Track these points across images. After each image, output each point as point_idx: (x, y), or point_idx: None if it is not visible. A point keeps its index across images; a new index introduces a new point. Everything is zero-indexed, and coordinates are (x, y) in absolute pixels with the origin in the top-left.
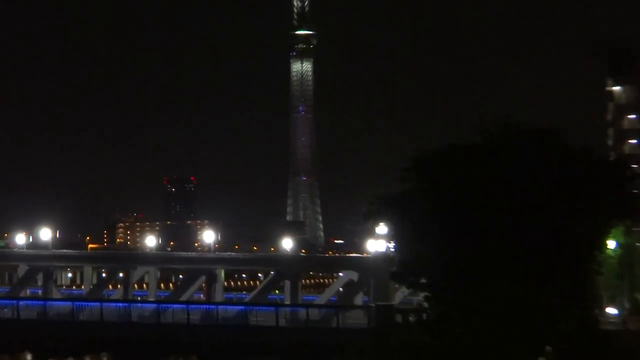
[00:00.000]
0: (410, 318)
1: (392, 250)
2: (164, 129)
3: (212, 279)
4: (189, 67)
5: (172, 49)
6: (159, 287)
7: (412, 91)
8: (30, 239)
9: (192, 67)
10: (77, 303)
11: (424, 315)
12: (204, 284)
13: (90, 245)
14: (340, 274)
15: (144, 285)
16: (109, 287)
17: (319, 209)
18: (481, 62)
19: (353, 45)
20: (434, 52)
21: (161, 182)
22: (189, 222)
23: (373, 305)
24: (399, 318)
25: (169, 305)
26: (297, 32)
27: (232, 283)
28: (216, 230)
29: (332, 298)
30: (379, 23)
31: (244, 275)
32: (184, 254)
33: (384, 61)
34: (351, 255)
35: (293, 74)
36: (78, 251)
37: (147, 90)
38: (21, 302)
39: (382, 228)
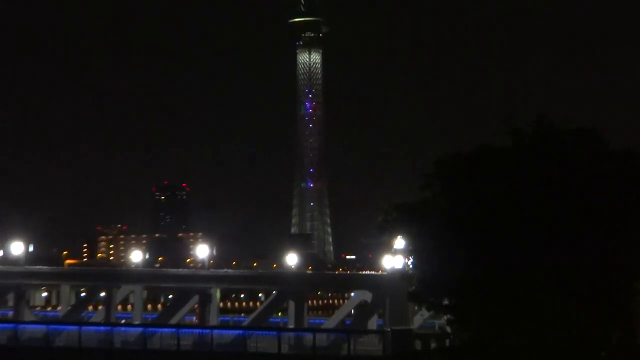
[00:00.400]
0: (431, 344)
1: (411, 267)
2: (152, 130)
3: (206, 299)
4: (180, 61)
5: (168, 41)
6: (145, 308)
7: (432, 89)
8: (0, 254)
9: (183, 61)
10: (53, 326)
11: (447, 342)
12: (196, 305)
13: (67, 261)
14: (352, 294)
15: (129, 306)
16: (88, 309)
17: (328, 220)
18: (508, 57)
19: (364, 36)
20: (454, 47)
21: (149, 189)
22: (180, 234)
23: (389, 329)
24: (418, 344)
25: (157, 330)
26: (304, 19)
27: (228, 304)
28: (211, 244)
29: (347, 322)
30: (393, 12)
31: (242, 296)
32: (174, 270)
33: (400, 55)
34: (364, 272)
35: (299, 66)
36: (54, 267)
37: (131, 88)
38: None
39: (399, 242)
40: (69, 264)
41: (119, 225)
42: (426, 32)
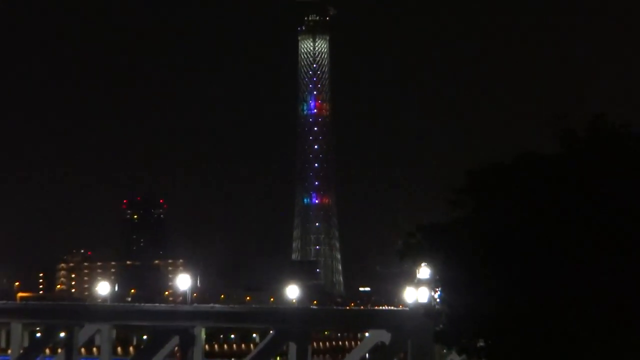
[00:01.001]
0: None
1: (438, 301)
2: (122, 136)
3: (188, 340)
4: (157, 55)
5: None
6: (114, 351)
7: (459, 87)
8: None
9: (166, 55)
10: None
11: None
12: (177, 348)
13: (20, 294)
14: (367, 335)
15: (94, 349)
16: (45, 352)
17: (336, 244)
18: (549, 49)
19: (380, 20)
20: (482, 36)
21: (118, 206)
22: (156, 261)
23: None
24: None
25: None
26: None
27: (216, 347)
28: (194, 273)
29: None
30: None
31: (232, 336)
32: (149, 306)
33: (422, 45)
34: (381, 308)
35: (302, 56)
36: (3, 302)
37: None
38: None
39: (424, 271)
40: (22, 298)
41: (83, 251)
42: (453, 20)
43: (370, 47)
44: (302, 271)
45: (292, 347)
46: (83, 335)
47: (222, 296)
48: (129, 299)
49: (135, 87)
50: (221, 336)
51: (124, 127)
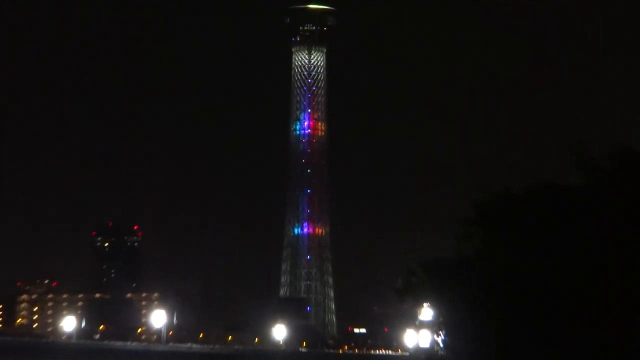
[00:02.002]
0: None
1: (442, 346)
2: (92, 154)
3: None
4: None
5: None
6: None
7: (469, 108)
8: None
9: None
10: None
11: None
12: None
13: None
14: None
15: None
16: None
17: (330, 280)
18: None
19: (384, 31)
20: (493, 53)
21: (88, 232)
22: (129, 295)
23: None
24: None
25: None
26: (305, 6)
27: None
28: (171, 308)
29: None
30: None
31: None
32: (120, 344)
33: (429, 60)
34: (378, 353)
35: (295, 69)
36: None
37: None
38: None
39: (426, 312)
40: None
41: (47, 281)
42: (462, 36)
43: (373, 62)
44: (291, 309)
45: None
46: None
47: (201, 335)
48: (97, 336)
49: (113, 103)
50: None
51: (95, 145)
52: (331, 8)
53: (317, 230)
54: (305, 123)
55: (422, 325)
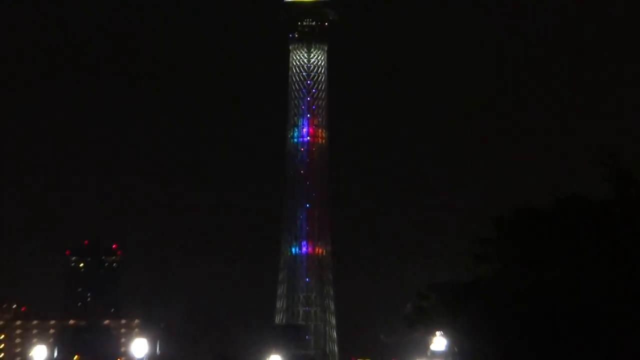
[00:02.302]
0: None
1: None
2: (65, 164)
3: None
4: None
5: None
6: None
7: (482, 114)
8: None
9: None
10: None
11: None
12: None
13: None
14: None
15: None
16: None
17: (331, 305)
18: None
19: (391, 27)
20: (511, 55)
21: (61, 252)
22: (107, 321)
23: None
24: None
25: None
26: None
27: None
28: (153, 337)
29: None
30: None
31: None
32: None
33: (443, 59)
34: None
35: (293, 69)
36: None
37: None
38: None
39: (439, 341)
40: None
41: (15, 306)
42: (480, 41)
43: (378, 61)
44: (288, 338)
45: None
46: None
47: None
48: None
49: (101, 115)
50: None
51: (70, 153)
52: (331, 1)
53: (317, 249)
54: (305, 130)
55: (434, 355)
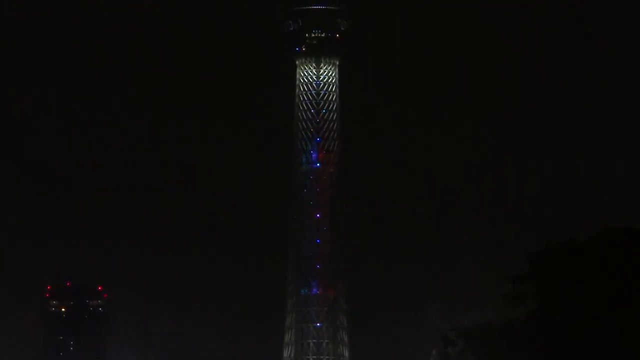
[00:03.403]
0: None
1: None
2: (53, 199)
3: None
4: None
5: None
6: None
7: (510, 136)
8: None
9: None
10: None
11: None
12: None
13: None
14: None
15: None
16: None
17: (345, 353)
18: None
19: (409, 37)
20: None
21: (40, 293)
22: None
23: None
24: None
25: None
26: (310, 7)
27: None
28: None
29: None
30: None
31: None
32: None
33: (460, 82)
34: None
35: (300, 87)
36: None
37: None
38: None
39: None
40: None
41: None
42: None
43: (396, 76)
44: None
45: None
46: None
47: None
48: None
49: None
50: None
51: (56, 185)
52: (343, 9)
53: (328, 291)
54: (314, 155)
55: None
